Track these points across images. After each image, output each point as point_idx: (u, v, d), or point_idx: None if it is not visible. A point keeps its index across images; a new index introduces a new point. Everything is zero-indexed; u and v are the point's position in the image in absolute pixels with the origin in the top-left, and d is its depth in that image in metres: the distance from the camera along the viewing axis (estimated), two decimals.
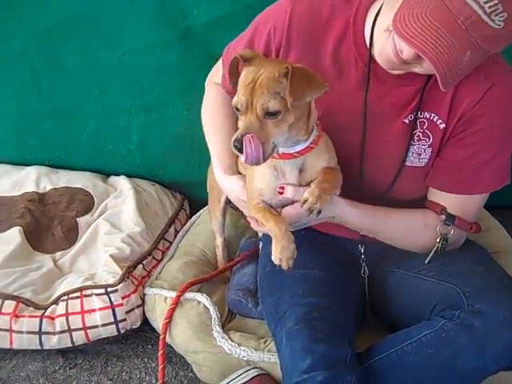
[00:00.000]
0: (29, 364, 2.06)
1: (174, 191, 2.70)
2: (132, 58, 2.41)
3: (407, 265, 1.74)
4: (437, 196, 1.66)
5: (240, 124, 1.42)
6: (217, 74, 1.90)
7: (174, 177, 2.65)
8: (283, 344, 1.56)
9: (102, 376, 2.02)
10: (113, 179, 2.67)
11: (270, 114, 1.40)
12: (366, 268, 1.79)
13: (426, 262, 1.67)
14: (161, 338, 1.95)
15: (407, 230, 1.69)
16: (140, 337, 2.14)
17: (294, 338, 1.53)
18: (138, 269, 2.21)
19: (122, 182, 2.61)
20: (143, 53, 2.40)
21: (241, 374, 1.83)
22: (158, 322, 2.02)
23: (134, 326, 2.10)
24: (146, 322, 2.09)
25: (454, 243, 1.68)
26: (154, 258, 2.31)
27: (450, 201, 1.65)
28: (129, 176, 2.67)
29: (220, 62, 1.89)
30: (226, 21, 2.35)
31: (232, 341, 1.90)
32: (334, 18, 1.61)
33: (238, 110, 1.43)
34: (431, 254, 1.67)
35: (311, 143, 1.55)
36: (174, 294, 2.00)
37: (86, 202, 2.50)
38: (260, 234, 2.03)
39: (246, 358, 1.86)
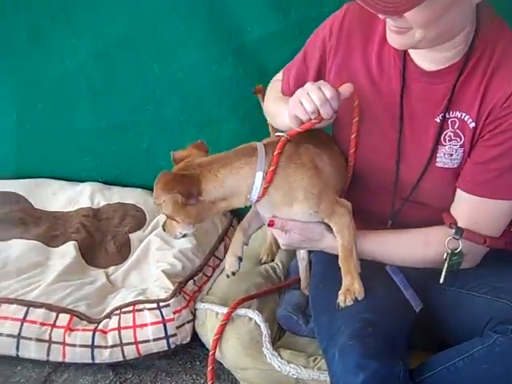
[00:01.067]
0: (80, 377, 2.07)
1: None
2: (186, 74, 2.44)
3: (460, 282, 1.68)
4: (456, 201, 1.60)
5: None
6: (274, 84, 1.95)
7: None
8: (335, 360, 1.53)
9: None
10: None
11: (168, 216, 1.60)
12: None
13: (441, 281, 1.62)
14: (210, 353, 1.92)
15: (407, 250, 1.67)
16: (189, 353, 2.13)
17: (347, 354, 1.49)
18: (189, 284, 2.21)
19: None
20: (197, 69, 2.43)
21: None
22: (207, 337, 2.00)
23: (184, 342, 2.08)
24: (194, 338, 2.08)
25: (469, 259, 1.62)
26: (204, 274, 2.31)
27: (467, 205, 1.58)
28: None
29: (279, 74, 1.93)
30: (279, 36, 2.36)
31: (282, 358, 1.87)
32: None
33: None
34: (444, 272, 1.61)
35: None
36: (225, 310, 1.98)
37: (138, 218, 2.52)
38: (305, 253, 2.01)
39: (295, 376, 1.83)
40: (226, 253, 2.31)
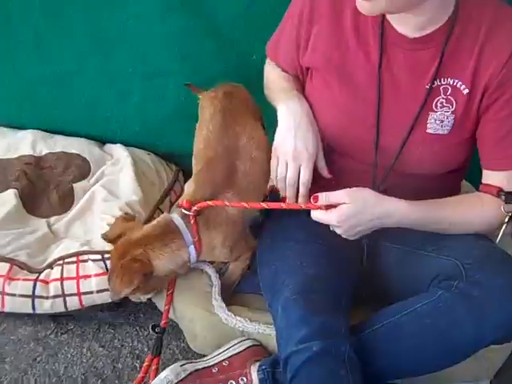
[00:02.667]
0: (19, 328, 2.03)
1: (168, 162, 2.65)
2: (136, 23, 2.35)
3: (406, 241, 1.72)
4: (490, 177, 1.61)
5: None
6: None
7: (170, 147, 2.61)
8: (279, 314, 1.56)
9: (94, 342, 1.99)
10: (109, 147, 2.63)
11: None
12: (365, 244, 1.78)
13: (497, 241, 1.64)
14: (165, 309, 1.91)
15: (466, 212, 1.63)
16: (131, 305, 2.10)
17: (291, 309, 1.52)
18: None
19: (119, 150, 2.57)
20: (147, 17, 2.34)
21: (235, 344, 1.81)
22: None
23: None
24: None
25: None
26: None
27: (503, 179, 1.59)
28: (125, 145, 2.62)
29: None
30: None
31: (229, 310, 1.87)
32: None
33: None
34: (500, 234, 1.62)
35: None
36: None
37: (82, 168, 2.46)
38: None
39: (241, 329, 1.84)
40: (171, 206, 2.32)
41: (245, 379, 1.69)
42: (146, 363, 1.77)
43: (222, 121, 1.90)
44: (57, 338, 2.00)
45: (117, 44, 2.40)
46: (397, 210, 1.57)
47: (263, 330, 1.84)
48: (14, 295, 2.00)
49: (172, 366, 1.71)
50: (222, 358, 1.77)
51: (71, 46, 2.42)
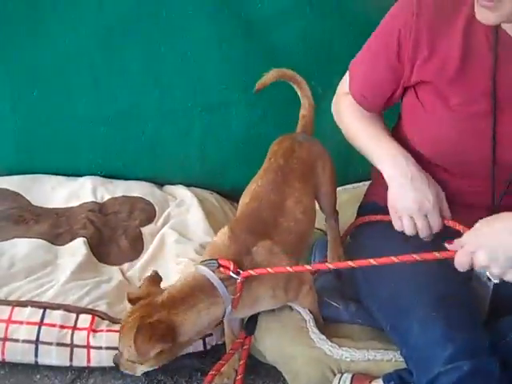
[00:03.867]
0: (108, 382, 1.88)
1: (232, 201, 2.54)
2: (194, 54, 2.28)
3: None
4: None
5: None
6: (345, 85, 1.76)
7: (234, 184, 2.47)
8: (413, 333, 1.43)
9: None
10: (170, 188, 2.54)
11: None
12: None
13: None
14: (244, 347, 1.77)
15: None
16: (220, 350, 1.95)
17: (431, 326, 1.40)
18: None
19: (181, 191, 2.49)
20: (205, 49, 2.29)
21: (339, 381, 1.68)
22: None
23: (220, 342, 1.94)
24: None
25: None
26: None
27: None
28: (185, 185, 2.52)
29: (347, 74, 1.76)
30: (289, 14, 2.26)
31: (331, 341, 1.74)
32: None
33: None
34: None
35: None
36: None
37: (147, 211, 2.36)
38: None
39: (348, 359, 1.71)
40: None
41: None
42: (238, 339, 1.72)
43: (272, 179, 1.78)
44: None
45: (175, 78, 2.34)
46: None
47: (373, 356, 1.70)
48: (99, 348, 1.86)
49: None
50: None
51: (128, 84, 2.35)
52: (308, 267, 1.60)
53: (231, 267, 1.53)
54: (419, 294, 1.50)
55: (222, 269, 1.54)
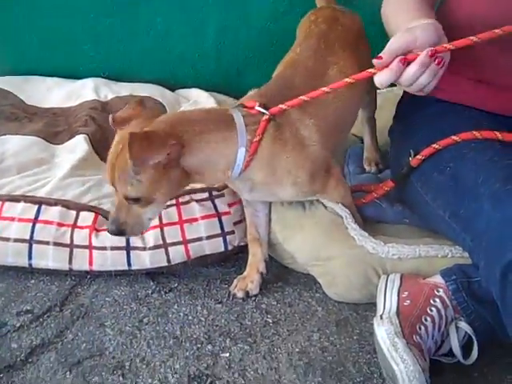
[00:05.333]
0: (114, 289, 1.63)
1: None
2: None
3: None
4: None
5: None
6: None
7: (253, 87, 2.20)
8: (485, 213, 1.20)
9: (208, 299, 1.59)
10: (182, 91, 2.25)
11: (132, 200, 1.27)
12: None
13: None
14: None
15: None
16: (241, 259, 1.70)
17: (507, 201, 1.16)
18: None
19: (196, 93, 2.20)
20: None
21: (387, 282, 1.44)
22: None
23: (243, 243, 1.68)
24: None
25: None
26: None
27: None
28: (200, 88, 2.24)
29: None
30: None
31: (376, 238, 1.51)
32: None
33: None
34: None
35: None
36: None
37: (157, 110, 2.06)
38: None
39: (396, 256, 1.48)
40: None
41: (440, 291, 1.34)
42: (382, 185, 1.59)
43: (314, 46, 1.55)
44: (161, 298, 1.60)
45: None
46: None
47: (426, 251, 1.48)
48: (104, 248, 1.60)
49: None
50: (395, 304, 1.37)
51: None
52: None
53: (256, 104, 1.32)
54: (486, 171, 1.27)
55: (246, 109, 1.34)
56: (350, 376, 1.34)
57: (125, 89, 2.18)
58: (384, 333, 1.27)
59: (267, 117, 1.33)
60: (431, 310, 1.31)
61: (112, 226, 1.31)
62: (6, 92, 2.17)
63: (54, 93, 2.20)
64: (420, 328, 1.29)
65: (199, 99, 2.14)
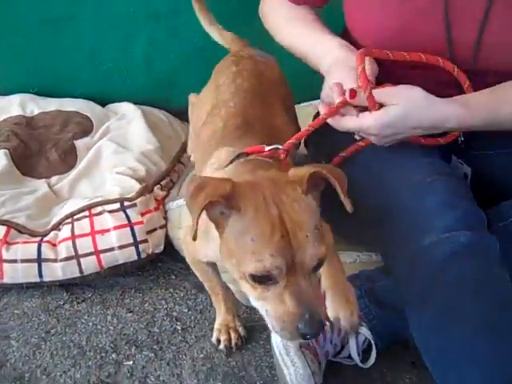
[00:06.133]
0: (25, 301, 1.62)
1: (182, 120, 2.23)
2: None
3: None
4: None
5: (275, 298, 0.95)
6: None
7: (183, 100, 2.16)
8: (404, 204, 1.22)
9: (120, 308, 1.59)
10: (112, 106, 2.24)
11: (318, 266, 0.96)
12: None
13: None
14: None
15: None
16: (159, 268, 1.72)
17: (428, 192, 1.19)
18: (156, 190, 1.80)
19: (125, 107, 2.20)
20: None
21: None
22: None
23: (157, 251, 1.67)
24: (165, 251, 1.70)
25: None
26: (171, 180, 1.90)
27: None
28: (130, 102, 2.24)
29: None
30: None
31: None
32: None
33: (260, 280, 0.94)
34: None
35: None
36: None
37: (83, 125, 2.08)
38: None
39: None
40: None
41: None
42: None
43: (250, 100, 1.44)
44: (72, 308, 1.60)
45: None
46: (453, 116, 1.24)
47: None
48: (14, 261, 1.59)
49: None
50: None
51: None
52: None
53: (264, 147, 1.20)
54: (409, 168, 1.28)
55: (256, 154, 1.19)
56: (250, 380, 1.34)
57: (53, 104, 2.17)
58: (278, 337, 1.26)
59: (286, 152, 1.22)
60: None
61: (314, 326, 0.92)
62: None
63: None
64: None
65: (127, 113, 2.13)
